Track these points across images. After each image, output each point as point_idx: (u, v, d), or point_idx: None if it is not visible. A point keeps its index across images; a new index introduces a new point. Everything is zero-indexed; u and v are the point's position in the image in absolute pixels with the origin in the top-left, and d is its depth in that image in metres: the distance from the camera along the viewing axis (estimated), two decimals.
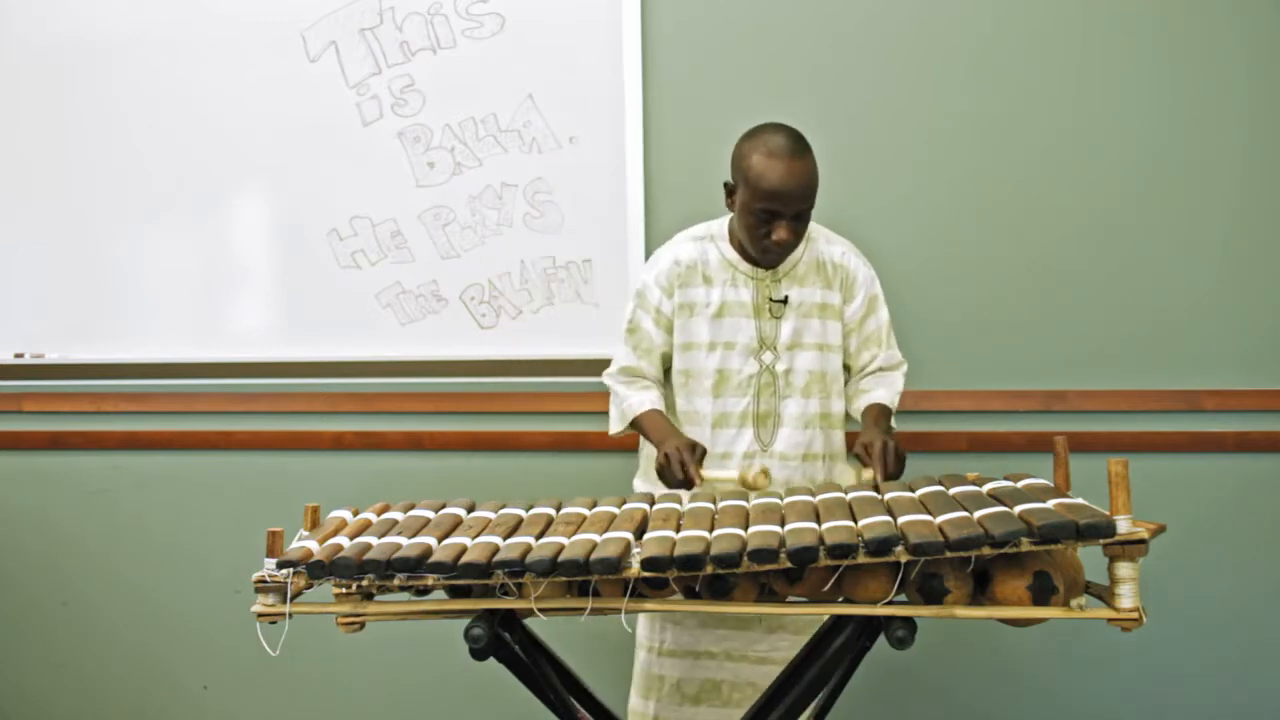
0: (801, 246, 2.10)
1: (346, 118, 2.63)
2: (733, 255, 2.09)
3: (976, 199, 2.50)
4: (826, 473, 2.10)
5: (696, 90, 2.44)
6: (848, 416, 2.16)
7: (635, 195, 2.53)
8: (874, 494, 1.68)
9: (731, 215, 2.08)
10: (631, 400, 2.10)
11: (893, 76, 2.51)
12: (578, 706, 1.76)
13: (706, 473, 1.91)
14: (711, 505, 1.71)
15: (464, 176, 2.61)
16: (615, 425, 2.15)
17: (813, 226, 2.13)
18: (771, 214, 1.94)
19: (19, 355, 2.76)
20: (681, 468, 1.89)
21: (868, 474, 1.88)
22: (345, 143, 2.63)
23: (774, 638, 2.08)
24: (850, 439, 2.24)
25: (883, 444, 1.89)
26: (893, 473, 1.88)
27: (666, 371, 2.16)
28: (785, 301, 2.06)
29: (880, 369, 2.13)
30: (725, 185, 2.05)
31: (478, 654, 1.58)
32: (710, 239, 2.12)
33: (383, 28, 2.62)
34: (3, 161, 2.76)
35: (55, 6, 2.72)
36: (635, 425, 2.10)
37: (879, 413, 2.05)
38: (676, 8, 2.54)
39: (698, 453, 1.93)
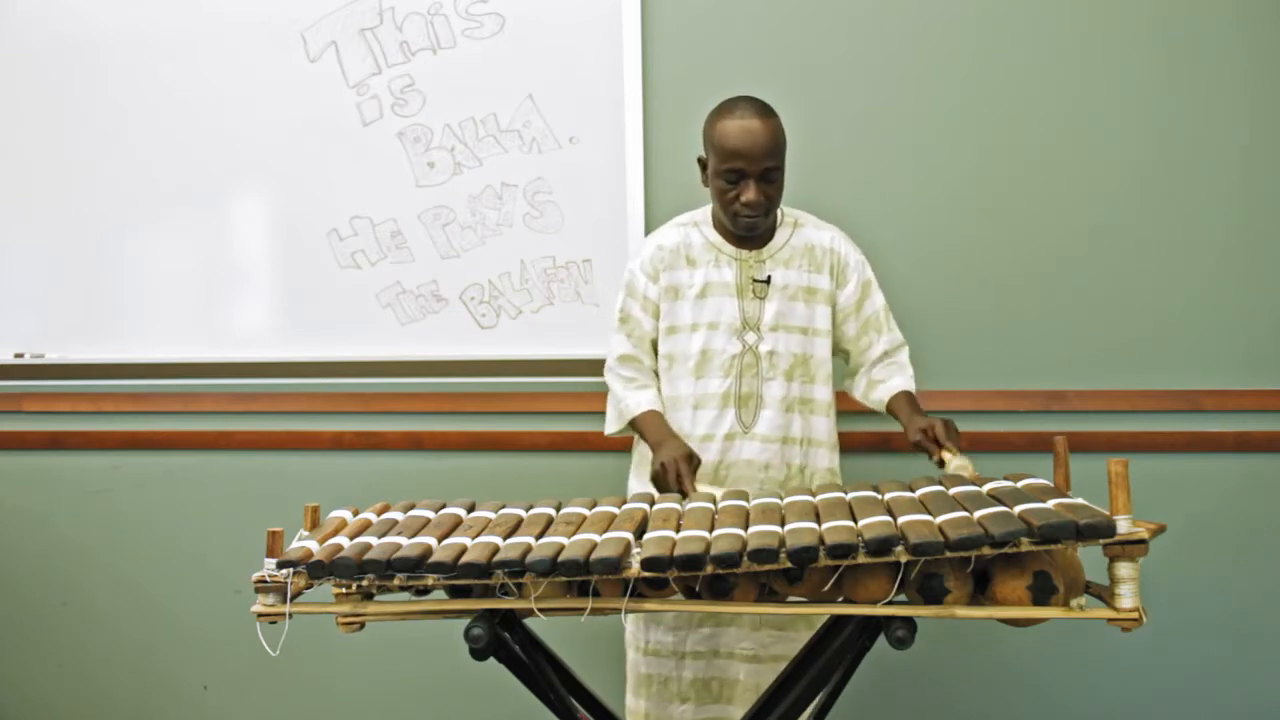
0: (789, 230, 2.12)
1: (346, 118, 2.63)
2: (716, 238, 2.11)
3: (976, 199, 2.50)
4: (804, 457, 2.10)
5: (696, 90, 2.44)
6: (839, 404, 2.17)
7: (635, 195, 2.54)
8: (874, 494, 1.68)
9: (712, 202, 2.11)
10: (629, 401, 2.11)
11: (893, 76, 2.51)
12: (578, 706, 1.76)
13: (701, 487, 1.91)
14: (711, 505, 1.71)
15: (464, 176, 2.61)
16: (612, 425, 2.16)
17: (800, 213, 2.17)
18: (738, 174, 1.97)
19: (19, 355, 2.76)
20: (677, 479, 1.90)
21: (958, 461, 1.85)
22: (345, 143, 2.63)
23: (760, 635, 2.08)
24: (846, 438, 2.25)
25: (944, 424, 1.90)
26: (958, 444, 1.90)
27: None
28: (768, 282, 2.07)
29: (885, 353, 2.14)
30: (699, 161, 2.09)
31: (478, 654, 1.58)
32: (694, 224, 2.15)
33: (383, 28, 2.62)
34: (3, 161, 2.76)
35: (55, 6, 2.72)
36: (633, 426, 2.10)
37: (910, 399, 2.06)
38: (676, 8, 2.54)
39: (694, 463, 1.94)
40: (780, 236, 2.11)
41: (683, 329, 2.10)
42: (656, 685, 2.11)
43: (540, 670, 1.68)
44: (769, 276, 2.08)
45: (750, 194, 1.97)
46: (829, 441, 2.15)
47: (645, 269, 2.13)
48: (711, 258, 2.10)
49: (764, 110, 2.00)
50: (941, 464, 1.87)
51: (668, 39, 2.54)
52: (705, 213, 2.16)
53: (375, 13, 2.63)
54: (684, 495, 1.89)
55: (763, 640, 2.08)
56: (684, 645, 2.09)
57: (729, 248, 2.10)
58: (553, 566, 1.50)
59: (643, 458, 2.16)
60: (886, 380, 2.11)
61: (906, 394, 2.07)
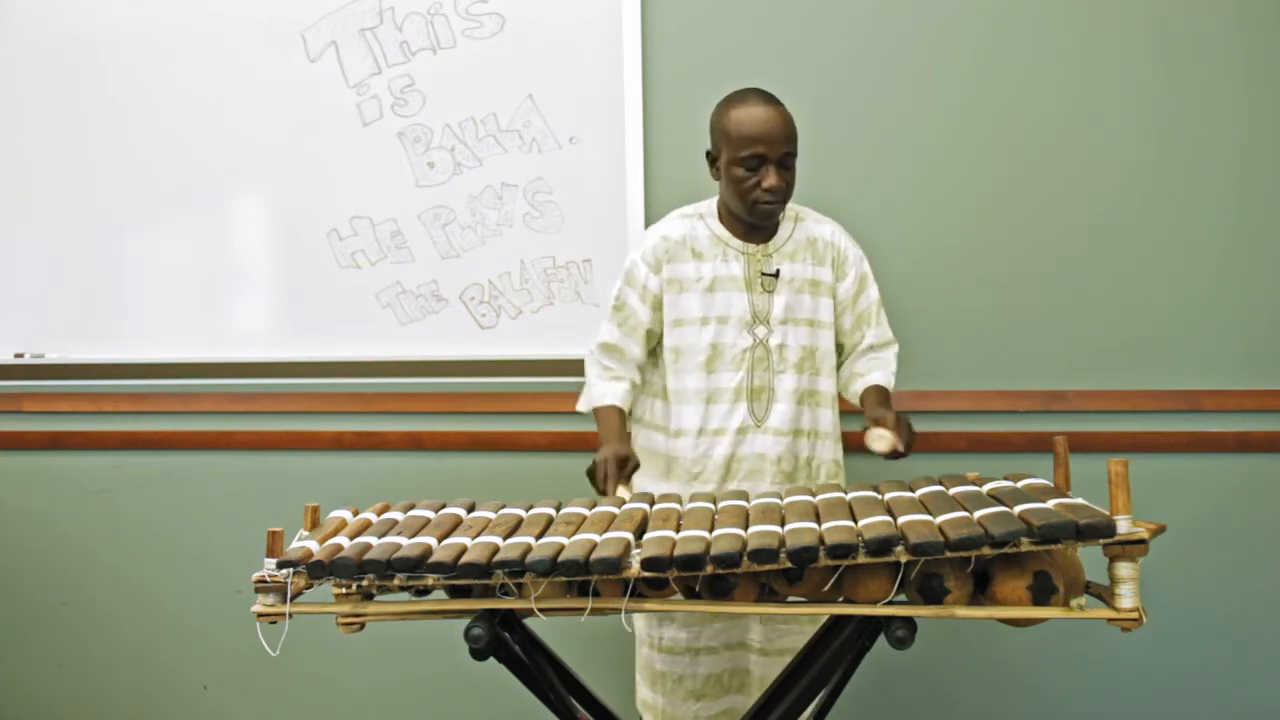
0: (791, 224, 2.13)
1: (346, 118, 2.63)
2: (722, 231, 2.11)
3: (977, 198, 2.50)
4: (811, 450, 2.11)
5: (696, 90, 2.44)
6: (839, 397, 2.17)
7: (635, 195, 2.54)
8: (874, 494, 1.68)
9: (719, 194, 2.12)
10: (597, 390, 2.12)
11: (893, 76, 2.51)
12: (578, 706, 1.76)
13: (624, 491, 1.90)
14: (711, 505, 1.71)
15: (464, 176, 2.61)
16: (582, 404, 2.18)
17: (800, 207, 2.18)
18: (759, 159, 1.98)
19: (19, 355, 2.76)
20: (604, 479, 1.92)
21: (883, 445, 1.88)
22: (345, 143, 2.63)
23: (767, 628, 2.10)
24: (848, 436, 2.25)
25: (895, 416, 1.93)
26: (906, 442, 1.91)
27: (652, 351, 2.17)
28: (776, 275, 2.08)
29: (871, 347, 2.15)
30: (707, 155, 2.10)
31: (478, 654, 1.58)
32: (699, 216, 2.15)
33: (383, 28, 2.62)
34: (3, 161, 2.76)
35: (55, 6, 2.72)
36: (595, 415, 2.11)
37: (880, 392, 2.08)
38: (676, 8, 2.54)
39: (628, 467, 1.95)
40: (784, 230, 2.12)
41: (690, 322, 2.10)
42: (671, 683, 2.12)
43: (540, 670, 1.68)
44: (777, 270, 2.09)
45: (772, 179, 1.98)
46: (833, 433, 2.15)
47: (648, 259, 2.12)
48: (719, 251, 2.10)
49: (774, 99, 2.03)
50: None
51: (668, 39, 2.54)
52: (710, 205, 2.16)
53: (375, 13, 2.63)
54: (602, 494, 1.91)
55: (769, 634, 2.09)
56: (699, 641, 2.10)
57: (736, 241, 2.10)
58: (553, 566, 1.50)
59: (639, 449, 2.16)
60: (866, 374, 2.13)
61: (879, 388, 2.09)
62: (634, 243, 2.50)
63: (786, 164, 2.00)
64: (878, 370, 2.13)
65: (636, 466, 1.98)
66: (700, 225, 2.13)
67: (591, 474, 1.95)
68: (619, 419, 2.07)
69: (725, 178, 2.04)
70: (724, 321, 2.08)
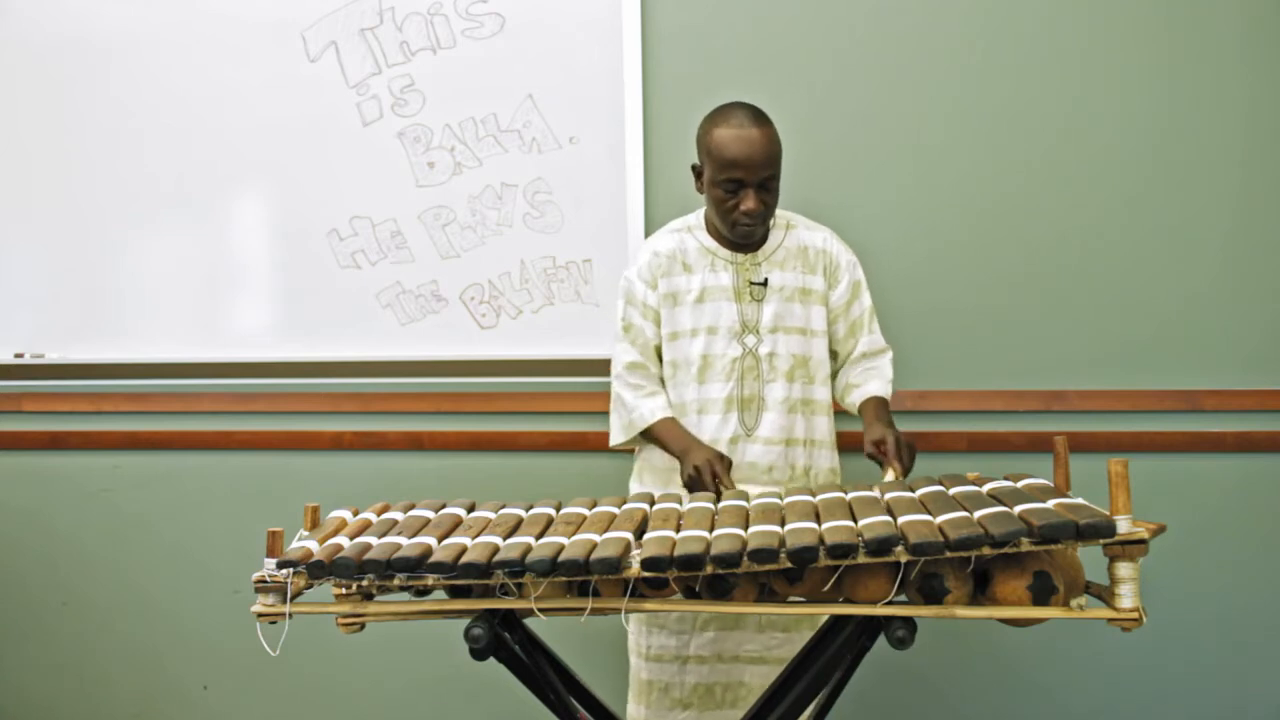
0: (782, 232, 2.13)
1: (346, 118, 2.63)
2: (710, 243, 2.11)
3: (976, 198, 2.50)
4: (808, 459, 2.10)
5: (696, 90, 2.44)
6: (834, 405, 2.17)
7: (635, 195, 2.54)
8: (874, 494, 1.68)
9: (706, 206, 2.11)
10: (643, 409, 2.08)
11: (892, 76, 2.51)
12: (578, 706, 1.76)
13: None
14: (711, 505, 1.71)
15: (464, 176, 2.61)
16: (619, 435, 2.14)
17: (791, 214, 2.17)
18: (737, 184, 1.97)
19: (19, 355, 2.76)
20: (714, 479, 1.91)
21: (890, 475, 1.88)
22: (345, 143, 2.63)
23: (765, 636, 2.08)
24: (843, 437, 2.25)
25: (895, 440, 1.91)
26: (906, 466, 1.89)
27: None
28: (765, 284, 2.07)
29: (865, 355, 2.14)
30: (693, 168, 2.09)
31: (478, 654, 1.58)
32: (687, 229, 2.15)
33: (383, 28, 2.63)
34: (3, 161, 2.76)
35: (55, 6, 2.72)
36: (648, 435, 2.08)
37: (879, 405, 2.06)
38: (676, 8, 2.54)
39: (726, 463, 1.95)
40: (774, 239, 2.12)
41: (684, 334, 2.10)
42: (657, 692, 2.10)
43: (540, 670, 1.68)
44: (766, 279, 2.08)
45: (750, 203, 1.97)
46: (829, 441, 2.15)
47: (643, 276, 2.12)
48: (707, 262, 2.10)
49: (760, 118, 2.00)
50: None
51: (668, 39, 2.54)
52: (698, 217, 2.16)
53: (375, 13, 2.63)
54: (719, 496, 1.88)
55: (768, 643, 2.08)
56: (687, 649, 2.08)
57: (724, 251, 2.10)
58: (553, 566, 1.50)
59: (646, 463, 2.16)
60: (862, 385, 2.12)
61: (877, 400, 2.07)
62: (634, 243, 2.50)
63: (767, 186, 1.99)
64: (874, 380, 2.12)
65: (731, 463, 1.97)
66: (689, 238, 2.13)
67: (691, 484, 1.94)
68: (679, 426, 2.06)
69: (707, 194, 2.05)
70: (713, 332, 2.08)
